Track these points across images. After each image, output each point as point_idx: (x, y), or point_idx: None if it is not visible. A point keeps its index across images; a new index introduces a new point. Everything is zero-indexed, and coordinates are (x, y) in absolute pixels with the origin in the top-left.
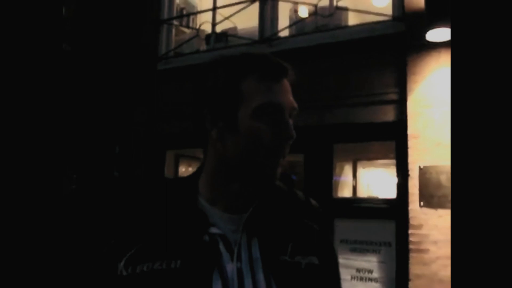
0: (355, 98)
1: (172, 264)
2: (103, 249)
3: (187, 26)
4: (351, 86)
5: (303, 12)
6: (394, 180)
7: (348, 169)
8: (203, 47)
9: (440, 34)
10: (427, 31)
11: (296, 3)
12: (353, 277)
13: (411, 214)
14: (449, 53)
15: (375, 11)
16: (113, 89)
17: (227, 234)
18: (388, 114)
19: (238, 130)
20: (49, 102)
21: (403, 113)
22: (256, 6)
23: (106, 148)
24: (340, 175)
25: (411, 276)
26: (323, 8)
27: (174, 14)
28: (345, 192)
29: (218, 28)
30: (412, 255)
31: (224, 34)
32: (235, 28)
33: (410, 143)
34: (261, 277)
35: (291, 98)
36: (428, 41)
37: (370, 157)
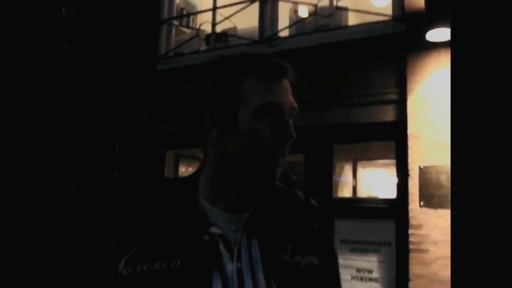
0: (355, 98)
1: (172, 264)
2: (103, 249)
3: (187, 26)
4: (351, 86)
5: (303, 12)
6: (394, 180)
7: (348, 169)
8: (203, 47)
9: (440, 34)
10: (427, 31)
11: (296, 3)
12: (353, 277)
13: (411, 214)
14: (449, 53)
15: (375, 11)
16: (113, 89)
17: (227, 234)
18: (388, 114)
19: (238, 130)
20: (49, 102)
21: (403, 113)
22: (256, 6)
23: (106, 148)
24: (340, 175)
25: (411, 276)
26: (323, 8)
27: (174, 14)
28: (345, 192)
29: (218, 28)
30: (412, 255)
31: (224, 34)
32: (235, 28)
33: (410, 143)
34: (261, 277)
35: (291, 98)
36: (428, 41)
37: (370, 157)
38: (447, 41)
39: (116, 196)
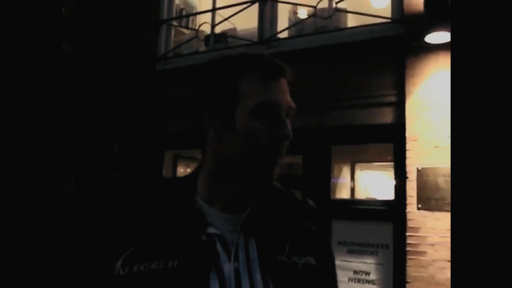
0: (354, 100)
1: (169, 264)
2: (101, 249)
3: (187, 27)
4: (349, 88)
5: (303, 13)
6: (392, 182)
7: (346, 171)
8: (202, 48)
9: (439, 36)
10: (426, 33)
11: (295, 5)
12: (350, 279)
13: (408, 217)
14: (448, 56)
15: (374, 13)
16: (112, 89)
17: (225, 234)
18: (387, 116)
19: (235, 129)
20: (49, 102)
21: (402, 116)
22: (255, 7)
23: (105, 148)
24: (338, 176)
25: (408, 278)
26: (322, 9)
27: (174, 14)
28: (343, 193)
29: (218, 29)
30: (409, 258)
31: (224, 35)
32: (234, 29)
33: (409, 145)
34: (258, 277)
35: (289, 97)
36: (427, 44)
37: (368, 159)
38: (446, 44)
39: (114, 196)
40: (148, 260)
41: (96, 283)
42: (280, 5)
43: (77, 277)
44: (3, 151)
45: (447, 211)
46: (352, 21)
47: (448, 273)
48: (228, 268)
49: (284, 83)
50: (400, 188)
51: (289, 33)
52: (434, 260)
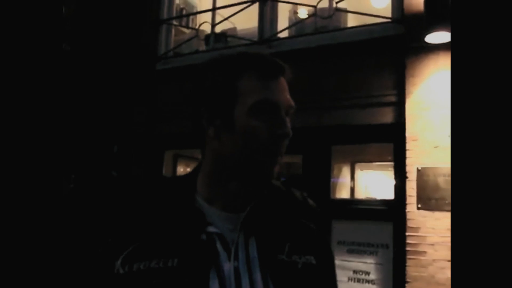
0: (354, 100)
1: (169, 263)
2: (100, 247)
3: (187, 26)
4: (349, 87)
5: (303, 13)
6: (392, 182)
7: (346, 171)
8: (203, 47)
9: (439, 36)
10: (426, 33)
11: (295, 4)
12: (350, 279)
13: (408, 217)
14: (448, 56)
15: (375, 13)
16: (112, 88)
17: (225, 233)
18: (387, 116)
19: (234, 128)
20: (48, 101)
21: (402, 116)
22: (255, 7)
23: (105, 148)
24: (338, 176)
25: (408, 278)
26: (322, 9)
27: (174, 14)
28: (343, 193)
29: (218, 29)
30: (409, 258)
31: (224, 34)
32: (234, 29)
33: (409, 145)
34: (258, 276)
35: (288, 96)
36: (427, 44)
37: (368, 159)
38: (446, 44)
39: (113, 195)
40: (148, 258)
41: (96, 282)
42: (280, 5)
43: (77, 276)
44: (2, 151)
45: (447, 211)
46: (352, 21)
47: (448, 273)
48: (228, 267)
49: (283, 82)
50: (400, 188)
51: (289, 33)
52: (434, 260)
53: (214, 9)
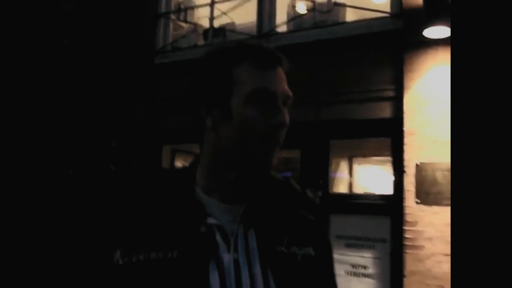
0: (352, 95)
1: (169, 254)
2: (100, 239)
3: (185, 21)
4: (348, 82)
5: (301, 8)
6: (390, 177)
7: (344, 166)
8: (201, 42)
9: (437, 31)
10: (425, 28)
11: None
12: (347, 273)
13: (406, 211)
14: (447, 51)
15: (373, 7)
16: (110, 83)
17: (224, 224)
18: (385, 111)
19: (231, 117)
20: (47, 96)
21: (400, 110)
22: (254, 2)
23: (103, 142)
24: (336, 171)
25: (405, 272)
26: (321, 4)
27: (172, 8)
28: (341, 188)
29: (216, 23)
30: (406, 252)
31: (222, 29)
32: (233, 23)
33: (406, 140)
34: (257, 267)
35: (286, 86)
36: (425, 39)
37: (366, 153)
38: (445, 39)
39: (112, 187)
40: (147, 250)
41: (95, 273)
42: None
43: (76, 267)
44: (1, 144)
45: (444, 205)
46: (351, 16)
47: (444, 267)
48: (227, 258)
49: (281, 72)
50: (398, 183)
51: (287, 27)
52: (431, 254)
53: (212, 4)
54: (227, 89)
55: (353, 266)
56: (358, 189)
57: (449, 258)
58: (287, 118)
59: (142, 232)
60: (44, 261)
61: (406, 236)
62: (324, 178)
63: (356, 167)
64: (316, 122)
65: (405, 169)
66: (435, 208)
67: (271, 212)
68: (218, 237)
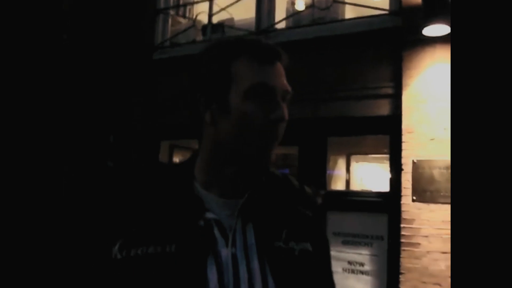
0: (350, 92)
1: (167, 248)
2: (98, 233)
3: (184, 16)
4: (346, 79)
5: (300, 4)
6: (387, 174)
7: (341, 163)
8: (200, 37)
9: (436, 29)
10: (424, 26)
11: None
12: (344, 270)
13: (403, 208)
14: (445, 49)
15: (372, 5)
16: (108, 78)
17: (222, 219)
18: (383, 108)
19: (230, 112)
20: (45, 92)
21: (398, 108)
22: None
23: (101, 138)
24: (334, 168)
25: (402, 269)
26: (320, 1)
27: (171, 3)
28: (338, 185)
29: (215, 19)
30: (403, 249)
31: (221, 25)
32: (232, 19)
33: (404, 137)
34: (255, 262)
35: (285, 81)
36: (424, 36)
37: (364, 151)
38: (443, 36)
39: (110, 183)
40: (146, 244)
41: (94, 267)
42: None
43: (75, 262)
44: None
45: (441, 203)
46: (349, 13)
47: (441, 265)
48: (225, 253)
49: (280, 67)
50: (395, 180)
51: (286, 24)
52: (428, 252)
53: None
54: (225, 84)
55: (350, 263)
56: (356, 186)
57: (445, 255)
58: (286, 113)
59: (140, 226)
60: (43, 256)
61: (403, 233)
62: (322, 175)
63: (354, 165)
64: (314, 119)
65: (403, 166)
66: (432, 206)
67: (270, 207)
68: (216, 231)
